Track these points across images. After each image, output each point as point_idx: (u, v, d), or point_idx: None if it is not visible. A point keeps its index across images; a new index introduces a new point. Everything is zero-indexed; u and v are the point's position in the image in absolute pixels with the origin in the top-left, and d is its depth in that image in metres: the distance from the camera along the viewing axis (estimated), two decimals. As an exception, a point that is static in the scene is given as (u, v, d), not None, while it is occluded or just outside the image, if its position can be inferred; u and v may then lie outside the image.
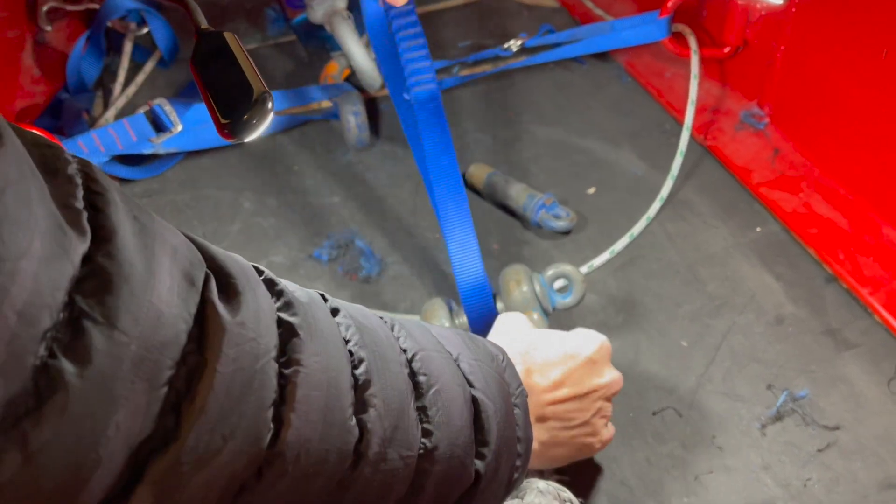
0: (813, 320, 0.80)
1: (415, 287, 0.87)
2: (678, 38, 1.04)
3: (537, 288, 0.75)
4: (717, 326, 0.80)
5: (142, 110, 0.94)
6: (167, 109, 0.93)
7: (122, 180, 1.01)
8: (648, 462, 0.69)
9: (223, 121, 0.43)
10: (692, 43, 1.00)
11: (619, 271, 0.87)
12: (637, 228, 0.91)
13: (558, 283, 0.78)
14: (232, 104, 0.43)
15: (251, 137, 0.43)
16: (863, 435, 0.70)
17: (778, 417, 0.71)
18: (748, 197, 0.94)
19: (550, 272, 0.78)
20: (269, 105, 0.43)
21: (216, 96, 0.44)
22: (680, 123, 1.04)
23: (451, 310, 0.76)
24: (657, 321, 0.81)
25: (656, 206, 0.93)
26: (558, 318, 0.80)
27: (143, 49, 1.20)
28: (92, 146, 0.92)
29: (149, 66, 1.19)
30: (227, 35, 0.46)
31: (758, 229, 0.90)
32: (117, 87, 1.15)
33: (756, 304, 0.82)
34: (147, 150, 0.96)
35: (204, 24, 0.50)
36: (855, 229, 0.86)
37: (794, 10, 0.89)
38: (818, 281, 0.84)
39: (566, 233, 0.91)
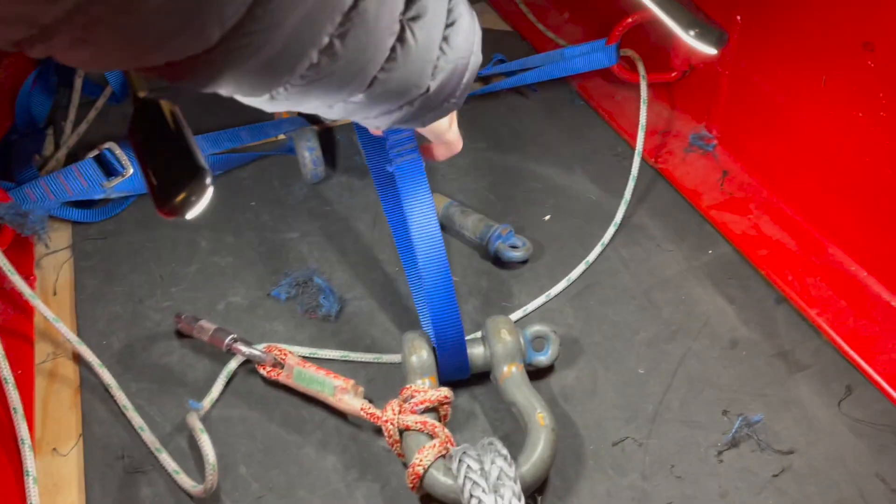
0: (765, 343, 0.82)
1: (375, 324, 0.87)
2: (627, 61, 1.06)
3: (521, 342, 0.76)
4: (673, 352, 0.82)
5: (91, 155, 0.93)
6: (117, 153, 0.92)
7: (76, 223, 0.99)
8: (609, 495, 0.70)
9: (160, 199, 0.43)
10: (640, 69, 1.01)
11: (575, 299, 0.88)
12: (592, 255, 0.92)
13: (536, 342, 0.79)
14: (170, 181, 0.43)
15: (191, 215, 0.43)
16: (815, 458, 0.71)
17: (734, 443, 0.73)
18: (699, 219, 0.96)
19: (532, 330, 0.79)
20: (207, 181, 0.43)
21: (154, 172, 0.44)
22: (631, 146, 1.06)
23: (434, 347, 0.77)
24: (614, 349, 0.83)
25: (610, 231, 0.94)
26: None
27: (94, 84, 1.19)
28: (40, 194, 0.91)
29: (100, 102, 1.18)
30: (165, 105, 0.46)
31: (710, 252, 0.92)
32: (68, 125, 1.13)
33: (710, 328, 0.84)
34: (99, 196, 0.95)
35: (143, 91, 0.49)
36: (802, 250, 0.88)
37: (737, 36, 0.91)
38: (769, 302, 0.86)
39: (524, 262, 0.92)
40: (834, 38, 0.77)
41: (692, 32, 0.84)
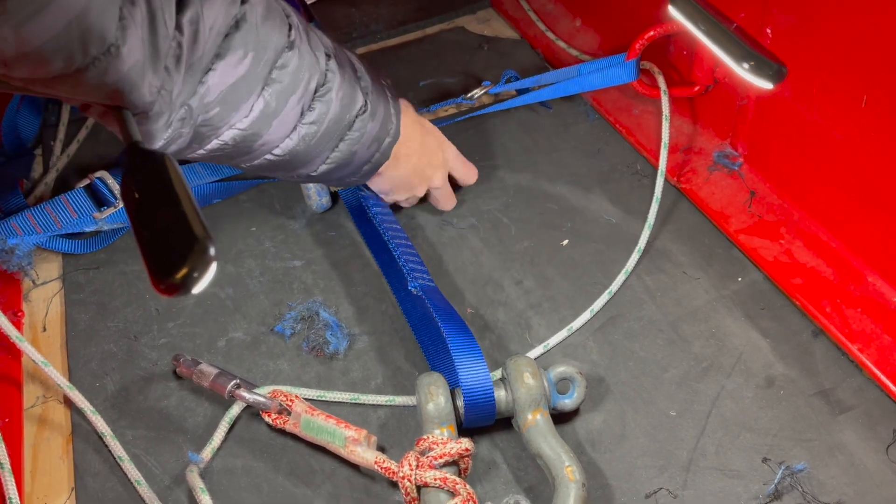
0: (804, 380, 0.77)
1: (385, 361, 0.82)
2: (645, 74, 1.01)
3: (545, 385, 0.71)
4: (706, 392, 0.77)
5: (81, 185, 0.87)
6: (109, 183, 0.86)
7: (66, 255, 0.94)
8: (644, 554, 0.65)
9: (157, 274, 0.37)
10: (661, 83, 0.96)
11: (599, 333, 0.83)
12: (615, 284, 0.87)
13: (560, 384, 0.74)
14: (168, 252, 0.37)
15: (196, 291, 0.38)
16: (865, 511, 0.67)
17: (777, 495, 0.68)
18: (727, 244, 0.91)
19: (556, 371, 0.73)
20: (211, 252, 0.38)
21: (151, 240, 0.38)
22: (651, 163, 1.00)
23: (452, 389, 0.72)
24: (643, 388, 0.77)
25: (634, 257, 0.89)
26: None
27: (84, 101, 1.13)
28: (27, 226, 0.85)
29: (90, 120, 1.12)
30: (166, 157, 0.41)
31: (739, 279, 0.87)
32: (57, 145, 1.08)
33: (744, 364, 0.79)
34: (90, 228, 0.89)
35: (138, 136, 0.44)
36: (839, 278, 0.83)
37: (766, 51, 0.85)
38: (805, 335, 0.81)
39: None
40: (879, 54, 0.72)
41: (746, 65, 0.76)
